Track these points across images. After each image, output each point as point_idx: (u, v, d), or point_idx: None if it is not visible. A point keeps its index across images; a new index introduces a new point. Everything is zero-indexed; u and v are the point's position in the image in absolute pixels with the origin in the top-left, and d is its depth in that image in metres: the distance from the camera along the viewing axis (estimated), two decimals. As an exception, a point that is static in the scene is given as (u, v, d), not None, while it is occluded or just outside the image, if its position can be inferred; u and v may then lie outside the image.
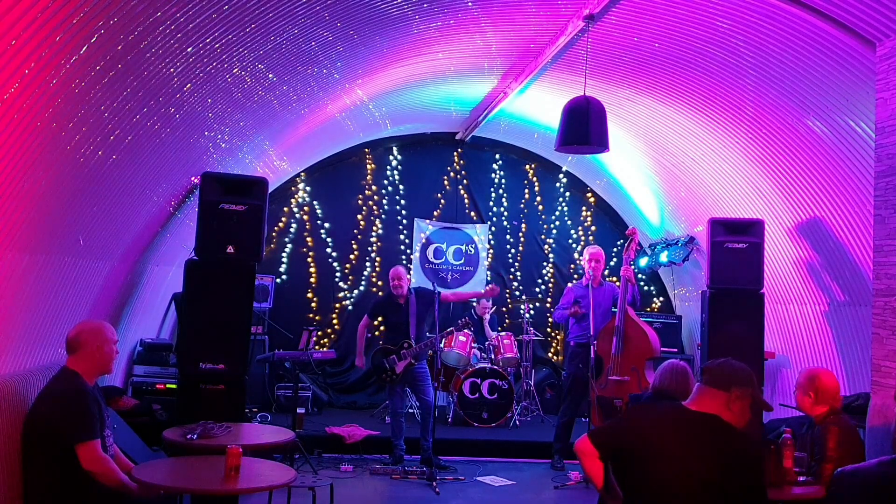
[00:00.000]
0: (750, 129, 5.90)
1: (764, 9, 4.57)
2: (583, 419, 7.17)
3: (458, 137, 9.15)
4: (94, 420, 3.42)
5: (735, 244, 5.90)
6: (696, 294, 7.83)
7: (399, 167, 9.16)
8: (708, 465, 2.70)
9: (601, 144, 5.07)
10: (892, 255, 4.35)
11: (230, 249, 5.06)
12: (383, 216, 9.07)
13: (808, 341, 6.45)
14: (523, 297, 9.16)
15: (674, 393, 3.89)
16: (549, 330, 9.31)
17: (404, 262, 8.91)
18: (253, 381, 6.50)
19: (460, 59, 6.25)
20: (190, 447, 3.76)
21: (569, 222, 9.46)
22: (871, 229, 4.65)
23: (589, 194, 9.52)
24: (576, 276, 9.14)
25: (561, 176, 9.46)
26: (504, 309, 9.24)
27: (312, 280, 8.83)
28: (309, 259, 8.83)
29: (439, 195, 9.25)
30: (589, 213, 9.50)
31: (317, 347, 8.06)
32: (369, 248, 9.00)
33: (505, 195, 9.38)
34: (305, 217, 8.84)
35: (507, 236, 9.36)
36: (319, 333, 8.62)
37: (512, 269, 9.36)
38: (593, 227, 9.49)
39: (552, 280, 9.37)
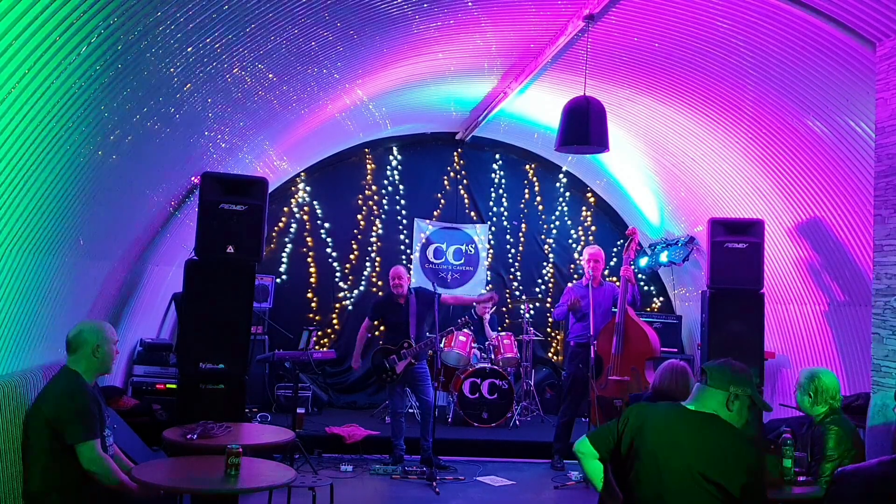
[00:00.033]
0: (750, 129, 5.90)
1: (764, 9, 4.57)
2: (583, 419, 7.18)
3: (458, 137, 9.15)
4: (94, 420, 3.42)
5: (735, 244, 5.90)
6: (696, 294, 7.83)
7: (399, 167, 9.16)
8: (707, 465, 2.70)
9: (601, 144, 5.07)
10: (892, 255, 4.35)
11: (230, 249, 5.07)
12: (383, 216, 9.07)
13: (808, 341, 6.45)
14: (523, 297, 9.15)
15: (674, 393, 3.88)
16: (549, 330, 9.31)
17: (404, 262, 8.91)
18: (253, 381, 6.50)
19: (460, 59, 6.25)
20: (190, 447, 3.76)
21: (569, 222, 9.46)
22: (871, 229, 4.65)
23: (589, 194, 9.52)
24: (576, 276, 9.14)
25: (561, 176, 9.46)
26: (504, 309, 9.24)
27: (312, 280, 8.83)
28: (309, 259, 8.83)
29: (439, 195, 9.25)
30: (589, 213, 9.50)
31: (317, 347, 8.06)
32: (369, 248, 9.00)
33: (505, 195, 9.38)
34: (305, 217, 8.84)
35: (507, 236, 9.36)
36: (319, 333, 8.62)
37: (512, 269, 9.36)
38: (593, 227, 9.49)
39: (552, 280, 9.37)
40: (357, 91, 6.39)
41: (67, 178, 3.61)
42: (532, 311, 9.01)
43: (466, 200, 9.33)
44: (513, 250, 9.37)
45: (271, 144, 6.73)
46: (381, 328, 6.86)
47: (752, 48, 5.01)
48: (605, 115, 5.08)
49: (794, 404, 4.15)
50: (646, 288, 9.24)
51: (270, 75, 5.01)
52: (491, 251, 9.31)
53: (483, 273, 9.26)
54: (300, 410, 6.84)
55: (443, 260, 9.19)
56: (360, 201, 9.03)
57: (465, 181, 9.32)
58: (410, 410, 7.49)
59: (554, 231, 9.43)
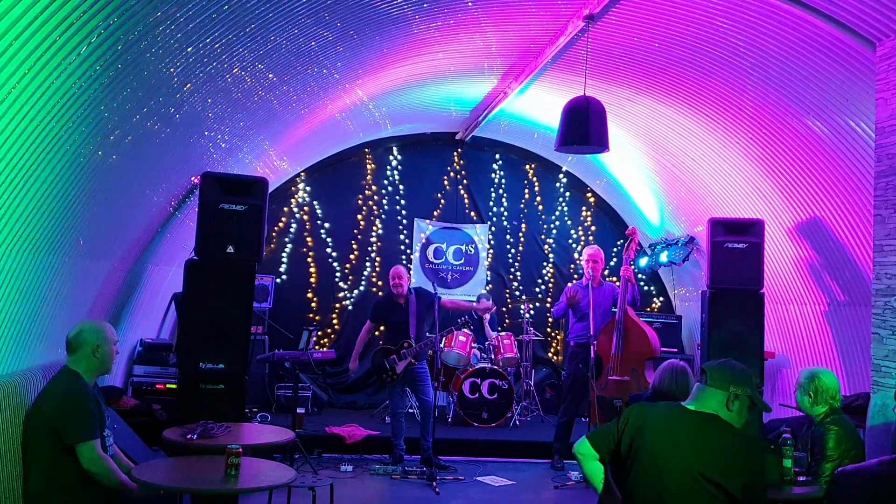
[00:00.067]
0: (750, 129, 5.90)
1: (764, 9, 4.57)
2: (583, 419, 7.17)
3: (458, 137, 9.15)
4: (93, 420, 3.42)
5: (735, 244, 5.90)
6: (696, 294, 7.83)
7: (399, 167, 9.16)
8: (707, 464, 2.70)
9: (601, 144, 5.07)
10: (892, 255, 4.35)
11: (230, 249, 5.07)
12: (383, 216, 9.07)
13: (808, 341, 6.45)
14: (523, 297, 9.15)
15: (673, 393, 3.89)
16: (549, 330, 9.31)
17: (404, 262, 8.91)
18: (253, 381, 6.50)
19: (460, 59, 6.25)
20: (190, 447, 3.76)
21: (569, 222, 9.46)
22: (871, 229, 4.65)
23: (589, 194, 9.52)
24: (576, 276, 9.14)
25: (561, 176, 9.47)
26: (504, 309, 9.24)
27: (312, 280, 8.83)
28: (309, 259, 8.83)
29: (439, 195, 9.25)
30: (589, 213, 9.50)
31: (317, 347, 8.06)
32: (369, 248, 9.00)
33: (505, 195, 9.38)
34: (305, 217, 8.84)
35: (507, 236, 9.36)
36: (319, 333, 8.62)
37: (512, 269, 9.36)
38: (593, 227, 9.49)
39: (552, 280, 9.37)
40: (357, 91, 6.39)
41: (67, 178, 3.61)
42: (532, 311, 9.01)
43: (466, 200, 9.33)
44: (513, 250, 9.37)
45: (271, 144, 6.73)
46: (381, 328, 6.86)
47: (752, 48, 5.01)
48: (605, 115, 5.08)
49: (794, 404, 4.15)
50: (646, 288, 9.24)
51: (270, 75, 5.01)
52: (491, 251, 9.31)
53: (483, 273, 9.26)
54: (300, 410, 6.85)
55: (443, 260, 9.19)
56: (360, 201, 9.03)
57: (465, 181, 9.32)
58: (410, 410, 7.49)
59: (554, 231, 9.43)
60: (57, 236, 3.80)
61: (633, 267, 6.47)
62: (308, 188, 8.86)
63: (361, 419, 7.48)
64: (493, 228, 9.33)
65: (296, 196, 8.82)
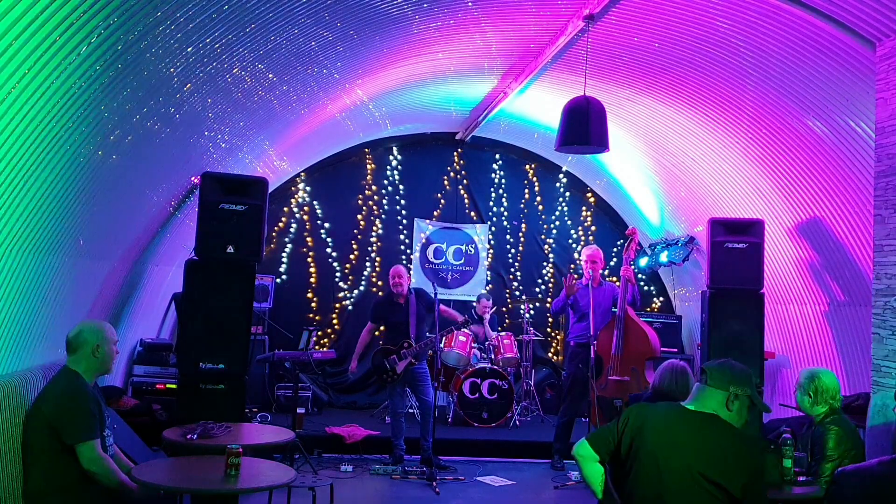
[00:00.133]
0: (750, 129, 5.90)
1: (764, 9, 4.57)
2: (583, 419, 7.17)
3: (458, 137, 9.15)
4: (93, 420, 3.42)
5: (735, 244, 5.90)
6: (696, 294, 7.83)
7: (399, 167, 9.16)
8: (707, 464, 2.70)
9: (601, 144, 5.07)
10: (892, 255, 4.35)
11: (230, 249, 5.06)
12: (383, 216, 9.07)
13: (808, 341, 6.45)
14: (523, 297, 9.16)
15: (673, 393, 3.88)
16: (549, 330, 9.31)
17: (404, 262, 8.91)
18: (253, 381, 6.50)
19: (460, 59, 6.25)
20: (190, 447, 3.76)
21: (569, 222, 9.46)
22: (871, 229, 4.65)
23: (589, 194, 9.52)
24: (576, 276, 9.12)
25: (561, 176, 9.47)
26: (504, 309, 9.24)
27: (312, 280, 8.83)
28: (309, 259, 8.83)
29: (439, 195, 9.25)
30: (589, 213, 9.50)
31: (317, 347, 8.06)
32: (369, 248, 9.00)
33: (505, 195, 9.38)
34: (305, 217, 8.84)
35: (507, 236, 9.36)
36: (319, 333, 8.62)
37: (512, 269, 9.36)
38: (593, 227, 9.49)
39: (552, 280, 9.37)
40: (357, 91, 6.39)
41: (67, 178, 3.61)
42: (532, 311, 9.02)
43: (466, 200, 9.33)
44: (513, 250, 9.38)
45: (271, 144, 6.73)
46: (382, 328, 6.86)
47: (752, 48, 5.01)
48: (605, 115, 5.08)
49: (794, 404, 4.15)
50: (646, 288, 9.24)
51: (270, 75, 5.01)
52: (491, 251, 9.31)
53: (483, 273, 9.26)
54: (300, 410, 6.84)
55: (443, 260, 9.19)
56: (360, 201, 9.03)
57: (465, 181, 9.32)
58: (410, 410, 7.49)
59: (554, 231, 9.43)
60: (57, 236, 3.80)
61: (633, 267, 6.47)
62: (308, 188, 8.86)
63: (361, 419, 7.48)
64: (493, 228, 9.33)
65: (296, 196, 8.82)
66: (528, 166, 9.43)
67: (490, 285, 9.23)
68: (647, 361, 6.14)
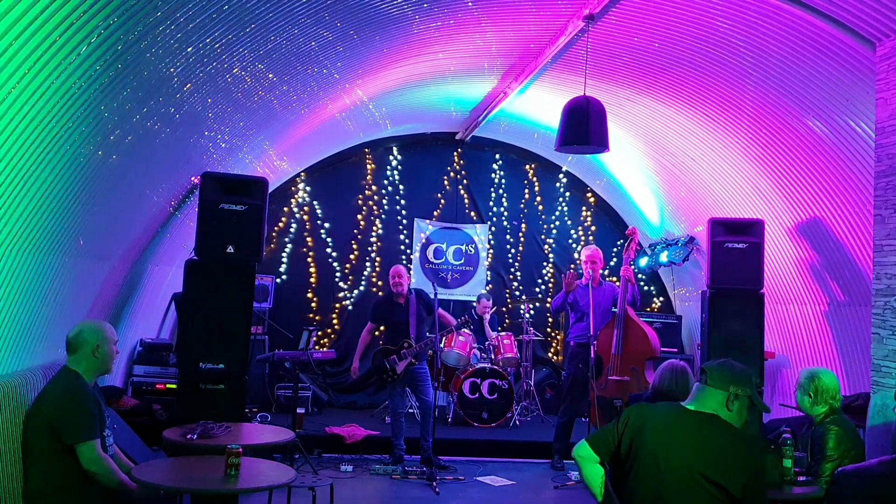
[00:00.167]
0: (750, 129, 5.90)
1: (764, 9, 4.57)
2: (583, 419, 7.17)
3: (458, 137, 9.15)
4: (93, 420, 3.42)
5: (735, 244, 5.90)
6: (696, 294, 7.83)
7: (399, 167, 9.16)
8: (707, 464, 2.70)
9: (601, 144, 5.07)
10: (892, 255, 4.35)
11: (230, 249, 5.06)
12: (383, 216, 9.07)
13: (808, 341, 6.45)
14: (523, 297, 9.16)
15: (673, 393, 3.88)
16: (549, 330, 9.31)
17: (404, 262, 8.91)
18: (253, 381, 6.50)
19: (460, 59, 6.26)
20: (190, 447, 3.76)
21: (569, 222, 9.46)
22: (871, 229, 4.65)
23: (589, 194, 9.52)
24: (576, 276, 9.13)
25: (561, 176, 9.47)
26: (504, 309, 9.25)
27: (312, 280, 8.83)
28: (309, 259, 8.83)
29: (439, 195, 9.25)
30: (589, 213, 9.50)
31: (317, 347, 8.07)
32: (369, 248, 9.00)
33: (505, 195, 9.38)
34: (305, 217, 8.84)
35: (507, 236, 9.36)
36: (319, 333, 8.62)
37: (512, 269, 9.36)
38: (593, 227, 9.49)
39: (552, 280, 9.37)
40: (357, 91, 6.39)
41: (67, 178, 3.61)
42: (532, 311, 9.02)
43: (466, 200, 9.33)
44: (513, 250, 9.38)
45: (271, 144, 6.73)
46: (382, 328, 6.86)
47: (752, 48, 5.01)
48: (605, 115, 5.08)
49: (794, 404, 4.15)
50: (646, 288, 9.24)
51: (270, 75, 5.01)
52: (491, 251, 9.31)
53: (483, 273, 9.26)
54: (300, 410, 6.84)
55: (443, 260, 9.19)
56: (360, 201, 9.03)
57: (465, 181, 9.32)
58: (410, 410, 7.49)
59: (554, 231, 9.43)
60: (57, 236, 3.80)
61: (633, 267, 6.47)
62: (308, 188, 8.86)
63: (361, 419, 7.48)
64: (493, 228, 9.33)
65: (296, 196, 8.82)
66: (528, 166, 9.43)
67: (490, 285, 9.23)
68: (647, 361, 6.14)
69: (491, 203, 9.35)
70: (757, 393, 2.88)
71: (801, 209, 5.96)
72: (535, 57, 5.97)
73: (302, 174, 8.80)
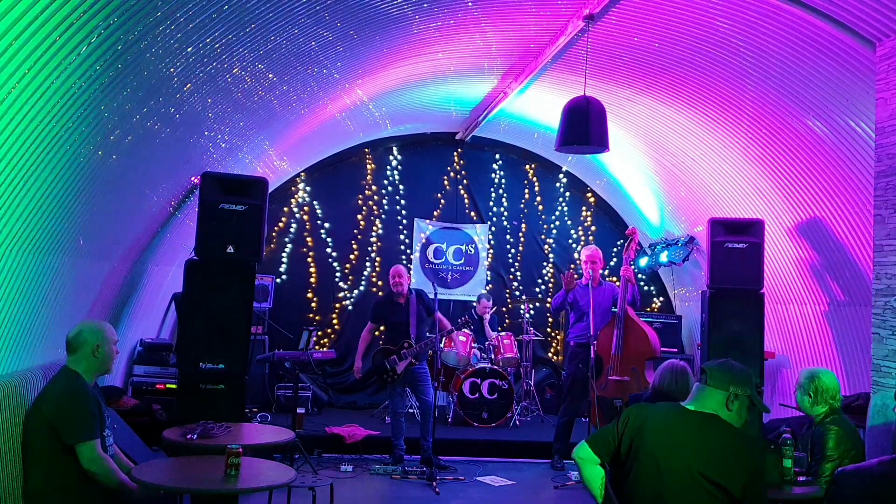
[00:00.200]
0: (750, 129, 5.90)
1: (764, 9, 4.57)
2: (583, 419, 7.17)
3: (458, 137, 9.15)
4: (93, 420, 3.42)
5: (735, 244, 5.90)
6: (696, 294, 7.83)
7: (399, 167, 9.16)
8: (707, 465, 2.70)
9: (601, 144, 5.07)
10: (892, 255, 4.35)
11: (230, 249, 5.06)
12: (383, 216, 9.07)
13: (808, 341, 6.45)
14: (523, 297, 9.16)
15: (673, 393, 3.88)
16: (549, 330, 9.31)
17: (404, 262, 8.91)
18: (253, 381, 6.50)
19: (460, 59, 6.26)
20: (190, 447, 3.76)
21: (569, 222, 9.46)
22: (871, 229, 4.65)
23: (589, 194, 9.52)
24: (575, 276, 9.13)
25: (561, 176, 9.47)
26: (504, 309, 9.25)
27: (312, 280, 8.83)
28: (309, 259, 8.83)
29: (439, 195, 9.26)
30: (589, 213, 9.50)
31: (317, 347, 8.07)
32: (369, 248, 9.00)
33: (505, 195, 9.38)
34: (305, 217, 8.84)
35: (507, 236, 9.36)
36: (319, 333, 8.62)
37: (512, 269, 9.36)
38: (593, 227, 9.49)
39: (552, 280, 9.37)
40: (357, 91, 6.39)
41: (67, 178, 3.61)
42: (532, 311, 9.02)
43: (466, 200, 9.33)
44: (513, 250, 9.38)
45: (271, 144, 6.73)
46: (382, 328, 6.86)
47: (752, 48, 5.01)
48: (605, 115, 5.08)
49: (794, 404, 4.15)
50: (646, 288, 9.24)
51: (270, 75, 5.01)
52: (491, 251, 9.31)
53: (483, 273, 9.26)
54: (300, 410, 6.85)
55: (443, 260, 9.20)
56: (360, 201, 9.03)
57: (465, 181, 9.32)
58: (410, 410, 7.49)
59: (554, 231, 9.43)
60: (57, 236, 3.80)
61: (633, 267, 6.47)
62: (308, 188, 8.86)
63: (361, 419, 7.48)
64: (493, 228, 9.33)
65: (296, 196, 8.82)
66: (528, 166, 9.43)
67: (490, 285, 9.23)
68: (647, 361, 6.14)
69: (491, 203, 9.35)
70: (757, 393, 2.88)
71: (801, 209, 5.96)
72: (535, 57, 5.97)
73: (302, 174, 8.80)
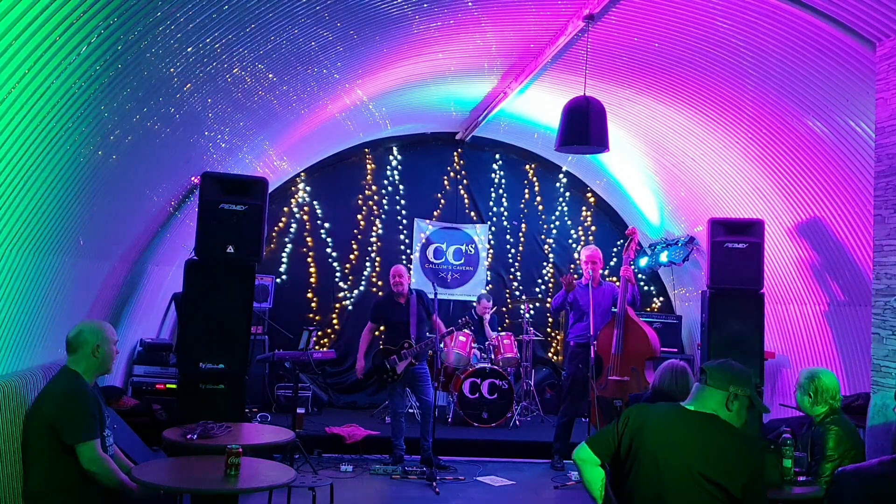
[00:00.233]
0: (750, 129, 5.90)
1: (764, 9, 4.57)
2: (583, 419, 7.17)
3: (458, 137, 9.15)
4: (93, 420, 3.42)
5: (735, 244, 5.90)
6: (696, 294, 7.84)
7: (399, 167, 9.16)
8: (707, 465, 2.70)
9: (601, 144, 5.07)
10: (892, 255, 4.35)
11: (230, 249, 5.07)
12: (383, 216, 9.07)
13: (808, 341, 6.45)
14: (523, 297, 9.16)
15: (673, 393, 3.88)
16: (549, 330, 9.31)
17: (404, 262, 8.91)
18: (253, 381, 6.50)
19: (460, 59, 6.26)
20: (190, 447, 3.76)
21: (569, 222, 9.46)
22: (871, 229, 4.65)
23: (589, 194, 9.52)
24: (576, 276, 9.12)
25: (561, 176, 9.47)
26: (504, 309, 9.25)
27: (312, 280, 8.83)
28: (309, 259, 8.83)
29: (439, 195, 9.26)
30: (589, 213, 9.50)
31: (317, 347, 8.07)
32: (369, 248, 9.00)
33: (505, 195, 9.38)
34: (305, 217, 8.84)
35: (507, 236, 9.37)
36: (319, 333, 8.62)
37: (512, 269, 9.36)
38: (593, 227, 9.49)
39: (552, 280, 9.37)
40: (357, 91, 6.39)
41: (67, 178, 3.61)
42: (532, 311, 9.02)
43: (466, 200, 9.33)
44: (513, 250, 9.38)
45: (271, 144, 6.73)
46: (382, 328, 6.86)
47: (752, 48, 5.02)
48: (605, 115, 5.08)
49: (794, 404, 4.15)
50: (646, 288, 9.24)
51: (270, 75, 5.01)
52: (491, 251, 9.31)
53: (483, 273, 9.26)
54: (300, 410, 6.84)
55: (443, 260, 9.20)
56: (360, 201, 9.03)
57: (465, 181, 9.32)
58: (410, 410, 7.49)
59: (554, 231, 9.43)
60: (57, 236, 3.80)
61: (633, 267, 6.47)
62: (308, 188, 8.86)
63: (361, 419, 7.48)
64: (493, 228, 9.33)
65: (296, 196, 8.82)
66: (528, 166, 9.43)
67: (490, 285, 9.23)
68: (647, 361, 6.14)
69: (491, 203, 9.35)
70: (757, 393, 2.88)
71: (801, 209, 5.96)
72: (535, 57, 5.97)
73: (302, 174, 8.80)
